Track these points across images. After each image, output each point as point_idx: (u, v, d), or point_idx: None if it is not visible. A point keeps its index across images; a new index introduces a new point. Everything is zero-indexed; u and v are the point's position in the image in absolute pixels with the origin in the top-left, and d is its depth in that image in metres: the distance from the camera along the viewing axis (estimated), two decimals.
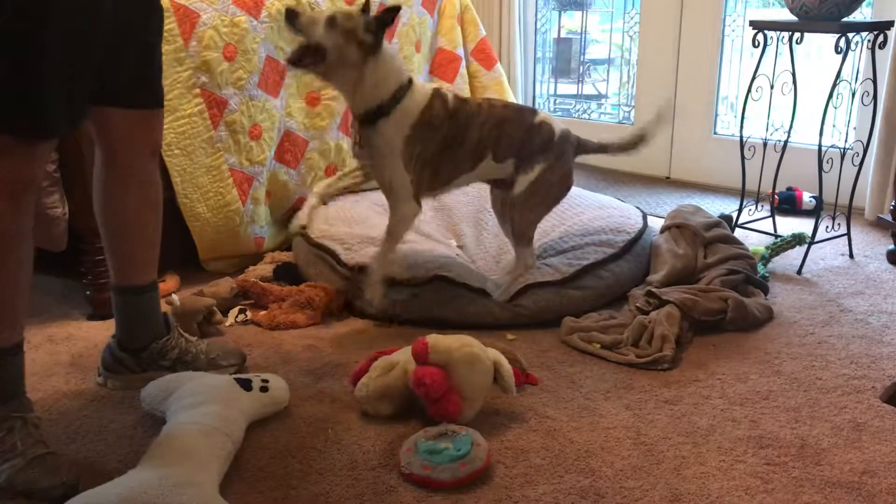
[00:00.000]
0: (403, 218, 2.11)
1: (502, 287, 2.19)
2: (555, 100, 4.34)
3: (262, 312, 2.23)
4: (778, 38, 2.73)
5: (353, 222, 2.58)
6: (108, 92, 1.59)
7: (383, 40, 2.00)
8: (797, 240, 2.64)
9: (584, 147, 2.28)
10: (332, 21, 1.94)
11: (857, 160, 2.75)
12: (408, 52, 3.05)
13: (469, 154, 2.14)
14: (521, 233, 2.20)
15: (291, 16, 1.94)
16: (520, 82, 4.19)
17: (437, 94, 2.10)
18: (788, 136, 2.89)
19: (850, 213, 2.83)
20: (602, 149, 2.34)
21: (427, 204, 2.40)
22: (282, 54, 2.61)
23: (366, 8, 2.01)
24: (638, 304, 2.19)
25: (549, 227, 2.60)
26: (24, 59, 1.38)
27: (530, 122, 2.17)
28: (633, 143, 2.35)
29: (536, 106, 4.34)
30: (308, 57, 1.96)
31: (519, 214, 2.18)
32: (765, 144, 2.92)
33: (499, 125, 2.14)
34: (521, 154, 2.16)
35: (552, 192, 2.22)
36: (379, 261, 2.13)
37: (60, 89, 1.44)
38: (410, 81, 2.07)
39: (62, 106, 1.45)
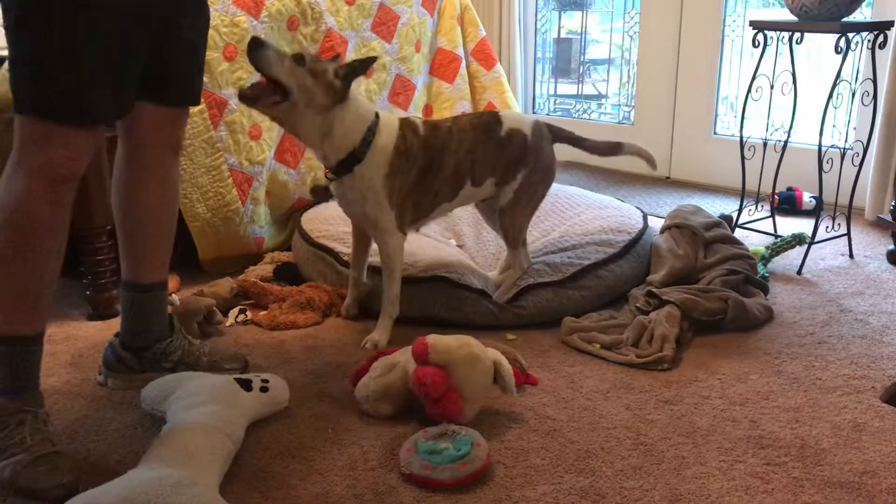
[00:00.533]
0: (395, 251, 2.05)
1: (501, 289, 2.20)
2: (555, 100, 4.34)
3: (262, 312, 2.23)
4: (778, 38, 2.73)
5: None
6: (146, 86, 1.60)
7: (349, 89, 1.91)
8: (797, 240, 2.64)
9: (557, 135, 2.27)
10: (300, 59, 1.82)
11: (857, 160, 2.75)
12: (408, 52, 3.06)
13: (447, 182, 2.09)
14: (514, 238, 2.22)
15: (256, 45, 1.77)
16: (520, 82, 4.19)
17: (406, 124, 2.04)
18: (788, 136, 2.89)
19: (850, 213, 2.83)
20: (575, 141, 2.31)
21: None
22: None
23: (335, 58, 1.95)
24: (638, 304, 2.19)
25: (550, 227, 2.60)
26: (72, 44, 1.38)
27: (498, 136, 2.13)
28: (608, 150, 2.32)
29: (536, 107, 4.34)
30: (267, 96, 1.81)
31: (510, 220, 2.20)
32: (765, 144, 2.92)
33: (471, 150, 2.10)
34: (499, 170, 2.15)
35: (538, 191, 2.23)
36: (387, 304, 2.08)
37: (105, 77, 1.44)
38: (377, 116, 1.98)
39: (107, 94, 1.45)
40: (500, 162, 2.14)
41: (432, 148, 2.05)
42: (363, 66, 1.90)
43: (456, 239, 2.64)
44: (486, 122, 2.15)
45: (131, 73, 1.52)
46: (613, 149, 2.32)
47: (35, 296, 1.50)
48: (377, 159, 1.96)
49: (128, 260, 1.78)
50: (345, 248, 2.39)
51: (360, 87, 2.87)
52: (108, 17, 1.42)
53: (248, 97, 1.83)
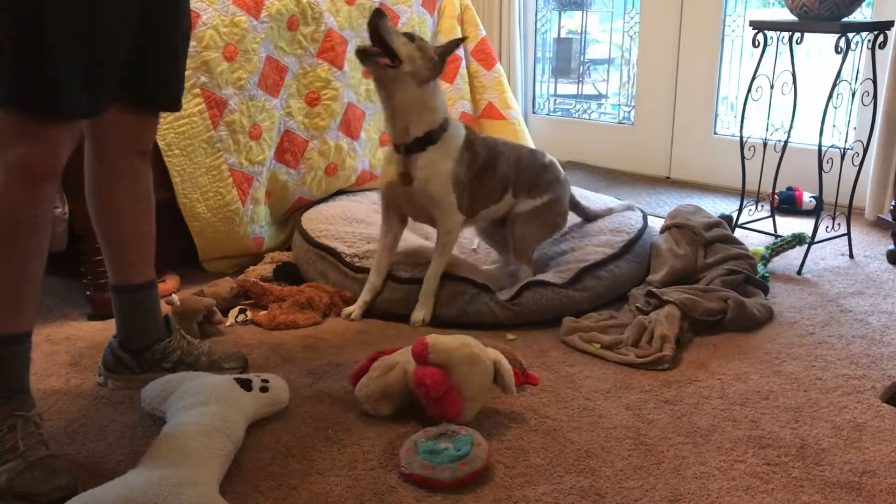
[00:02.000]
0: (453, 229, 2.19)
1: (504, 294, 2.21)
2: (555, 100, 4.34)
3: (262, 312, 2.23)
4: (778, 38, 2.73)
5: (355, 221, 2.58)
6: (137, 94, 1.60)
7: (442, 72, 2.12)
8: (797, 240, 2.64)
9: (572, 201, 2.49)
10: (410, 36, 2.06)
11: (857, 160, 2.75)
12: None
13: (498, 185, 2.26)
14: (521, 249, 2.30)
15: (380, 14, 1.97)
16: (520, 82, 4.19)
17: (468, 127, 2.24)
18: (788, 136, 2.89)
19: (850, 213, 2.83)
20: (583, 213, 2.58)
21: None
22: (282, 54, 2.62)
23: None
24: (638, 304, 2.19)
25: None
26: (44, 36, 1.37)
27: (542, 162, 2.36)
28: (602, 216, 2.59)
29: (536, 106, 4.34)
30: (382, 57, 2.00)
31: (521, 229, 2.29)
32: (765, 144, 2.92)
33: (517, 162, 2.30)
34: (531, 189, 2.31)
35: (553, 220, 2.36)
36: (431, 280, 2.17)
37: (79, 72, 1.42)
38: (447, 119, 2.18)
39: (81, 89, 1.43)
40: (535, 181, 2.32)
41: (491, 149, 2.26)
42: (454, 45, 2.16)
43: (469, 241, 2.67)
44: (532, 149, 2.45)
45: (108, 70, 1.49)
46: (606, 214, 2.60)
47: (17, 295, 1.47)
48: (449, 146, 2.13)
49: (112, 264, 1.78)
50: (346, 247, 2.39)
51: (360, 86, 2.87)
52: (82, 9, 1.40)
53: (367, 53, 2.00)
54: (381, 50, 2.00)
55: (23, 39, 1.37)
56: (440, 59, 2.09)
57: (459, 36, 3.32)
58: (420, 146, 2.11)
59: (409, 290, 2.20)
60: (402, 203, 2.22)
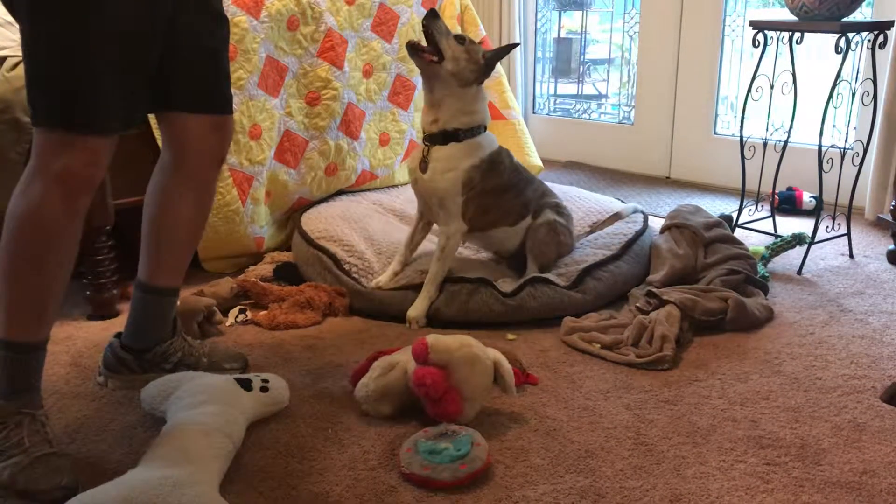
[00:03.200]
0: (454, 234, 2.19)
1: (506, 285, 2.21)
2: (555, 100, 4.34)
3: (262, 312, 2.23)
4: (778, 38, 2.73)
5: (353, 221, 2.58)
6: (178, 97, 1.62)
7: (488, 77, 2.19)
8: (797, 240, 2.64)
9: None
10: (461, 39, 2.14)
11: (857, 160, 2.75)
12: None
13: (518, 208, 2.28)
14: (544, 258, 2.30)
15: (434, 16, 2.10)
16: (520, 82, 4.19)
17: (503, 147, 2.28)
18: (788, 136, 2.89)
19: (850, 213, 2.83)
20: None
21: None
22: (282, 54, 2.62)
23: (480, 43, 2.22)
24: (638, 304, 2.19)
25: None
26: (80, 52, 1.40)
27: (556, 201, 2.39)
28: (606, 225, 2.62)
29: (536, 106, 4.34)
30: (429, 53, 2.11)
31: (541, 237, 2.29)
32: (765, 144, 2.92)
33: (543, 195, 2.34)
34: (552, 208, 2.35)
35: (562, 239, 2.34)
36: (429, 285, 2.17)
37: (115, 86, 1.45)
38: (486, 129, 2.22)
39: (117, 103, 1.46)
40: (554, 208, 2.36)
41: (519, 173, 2.30)
42: (505, 51, 2.24)
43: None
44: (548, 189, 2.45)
45: (139, 81, 1.53)
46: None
47: (43, 304, 1.50)
48: (473, 149, 2.17)
49: (148, 262, 1.78)
50: (343, 251, 2.38)
51: (360, 86, 2.87)
52: (111, 24, 1.43)
53: (416, 48, 2.12)
54: (428, 46, 2.11)
55: (52, 56, 1.41)
56: (487, 63, 2.15)
57: None
58: (444, 140, 2.15)
59: (405, 291, 2.20)
60: (418, 193, 2.26)
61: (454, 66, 2.11)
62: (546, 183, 2.49)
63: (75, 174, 1.44)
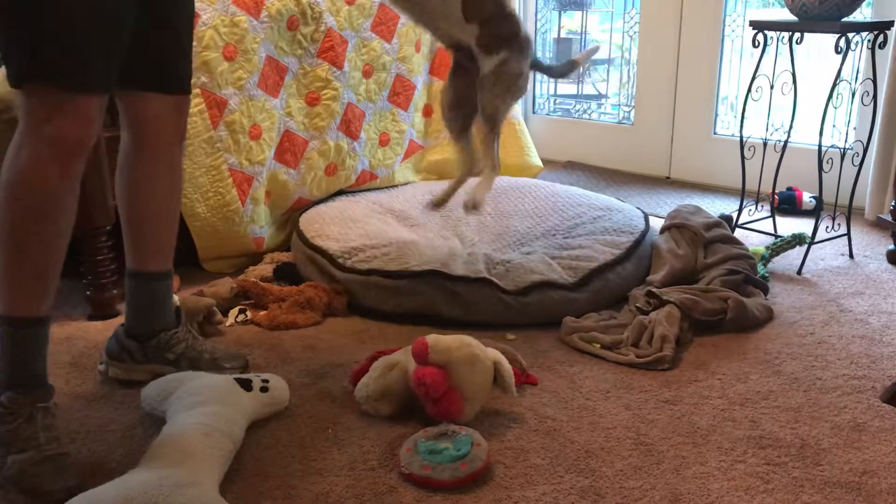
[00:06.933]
0: None
1: (472, 198, 2.17)
2: (555, 100, 4.34)
3: (262, 312, 2.23)
4: (778, 38, 2.73)
5: (350, 221, 2.58)
6: (140, 76, 1.62)
7: None
8: (797, 240, 2.64)
9: (534, 62, 2.34)
10: None
11: (857, 160, 2.75)
12: (408, 51, 3.05)
13: None
14: (491, 116, 2.19)
15: None
16: None
17: None
18: (788, 136, 2.89)
19: (850, 213, 2.83)
20: (547, 71, 2.53)
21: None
22: (282, 54, 2.62)
23: None
24: (638, 304, 2.19)
25: (552, 226, 2.60)
26: (68, 10, 1.40)
27: (506, 8, 2.19)
28: (567, 69, 2.53)
29: (536, 106, 4.34)
30: None
31: (490, 95, 2.17)
32: (765, 144, 2.92)
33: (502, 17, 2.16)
34: (486, 30, 2.15)
35: (516, 82, 2.22)
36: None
37: (100, 44, 1.45)
38: None
39: (101, 61, 1.46)
40: (491, 24, 2.16)
41: None
42: None
43: (460, 241, 2.64)
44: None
45: (119, 44, 1.51)
46: (570, 68, 2.54)
47: (43, 274, 1.50)
48: None
49: (134, 250, 1.79)
50: (337, 246, 2.37)
51: (360, 86, 2.87)
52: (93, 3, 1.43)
53: None
54: None
55: (44, 14, 1.39)
56: None
57: None
58: None
59: (404, 286, 2.21)
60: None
61: None
62: (546, 182, 2.48)
63: (67, 136, 1.43)
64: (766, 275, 2.47)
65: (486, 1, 2.15)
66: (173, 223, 1.81)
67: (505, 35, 2.17)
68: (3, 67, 2.09)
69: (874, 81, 2.70)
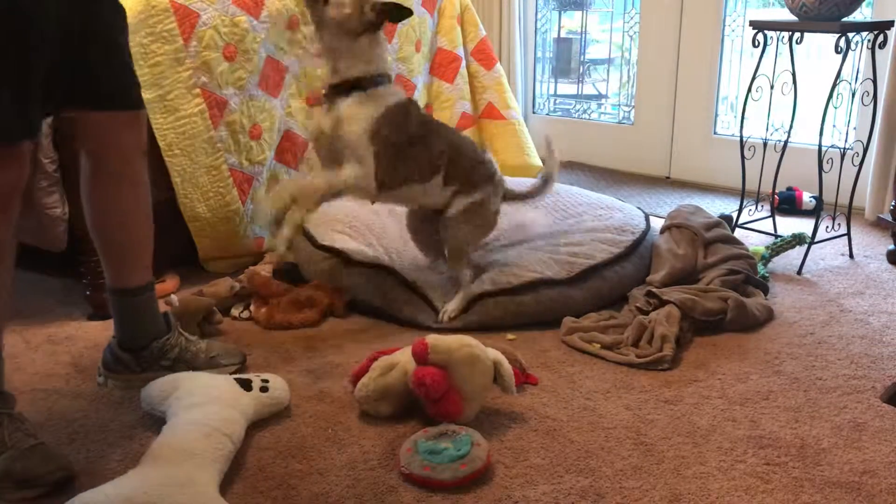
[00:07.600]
0: (359, 176, 2.05)
1: (449, 310, 2.16)
2: (555, 100, 4.34)
3: (263, 309, 2.23)
4: (778, 38, 2.73)
5: (355, 220, 2.58)
6: (86, 95, 1.59)
7: (381, 28, 2.06)
8: (797, 240, 2.64)
9: (506, 193, 2.37)
10: None
11: (857, 160, 2.75)
12: (408, 51, 3.05)
13: (427, 163, 2.14)
14: (457, 250, 2.20)
15: None
16: (520, 82, 4.19)
17: (411, 98, 2.19)
18: (788, 136, 2.89)
19: (850, 213, 2.83)
20: (518, 197, 2.43)
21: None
22: (282, 54, 2.62)
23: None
24: (638, 304, 2.19)
25: (552, 224, 2.60)
26: None
27: (479, 156, 2.25)
28: (543, 188, 2.46)
29: (536, 106, 4.34)
30: None
31: (455, 231, 2.19)
32: (765, 144, 2.92)
33: (456, 149, 2.20)
34: (465, 183, 2.20)
35: (487, 220, 2.27)
36: (298, 185, 2.10)
37: (18, 96, 1.42)
38: (391, 79, 2.12)
39: (10, 110, 1.42)
40: (470, 177, 2.21)
41: (426, 125, 2.18)
42: (396, 11, 2.04)
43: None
44: (472, 141, 2.32)
45: (37, 83, 1.47)
46: (544, 185, 2.47)
47: None
48: (378, 100, 2.06)
49: (111, 267, 1.78)
50: (353, 245, 2.39)
51: None
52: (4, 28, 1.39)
53: None
54: None
55: None
56: (377, 15, 2.02)
57: (459, 35, 3.33)
58: (346, 91, 2.05)
59: (369, 275, 2.25)
60: (326, 155, 2.15)
61: (338, 13, 1.99)
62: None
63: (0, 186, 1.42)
64: (766, 275, 2.47)
65: (463, 161, 2.20)
66: (145, 237, 1.78)
67: (480, 179, 2.24)
68: None
69: (874, 81, 2.70)
